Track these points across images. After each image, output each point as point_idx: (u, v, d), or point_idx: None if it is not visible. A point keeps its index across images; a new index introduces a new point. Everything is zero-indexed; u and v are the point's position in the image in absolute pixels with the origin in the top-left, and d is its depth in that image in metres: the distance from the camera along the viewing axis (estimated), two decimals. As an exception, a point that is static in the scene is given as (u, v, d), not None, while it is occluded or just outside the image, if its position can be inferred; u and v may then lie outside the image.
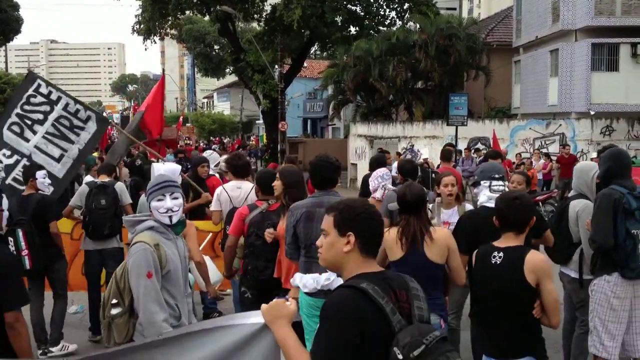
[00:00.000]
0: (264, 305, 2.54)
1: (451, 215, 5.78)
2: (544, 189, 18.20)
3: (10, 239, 6.00)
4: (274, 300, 2.56)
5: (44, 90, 7.70)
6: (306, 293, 4.73)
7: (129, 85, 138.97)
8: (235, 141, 45.10)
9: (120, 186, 7.32)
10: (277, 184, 5.30)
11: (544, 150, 21.90)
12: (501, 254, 3.81)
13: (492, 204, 4.49)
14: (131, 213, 7.06)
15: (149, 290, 3.75)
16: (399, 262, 4.43)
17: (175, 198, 4.00)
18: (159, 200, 3.97)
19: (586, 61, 24.10)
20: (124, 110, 49.10)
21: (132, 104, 39.01)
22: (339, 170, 5.03)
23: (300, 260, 4.90)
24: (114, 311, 3.87)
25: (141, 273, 3.75)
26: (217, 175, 9.19)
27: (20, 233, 6.10)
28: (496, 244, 3.91)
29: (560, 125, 23.57)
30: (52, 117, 7.65)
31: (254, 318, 2.55)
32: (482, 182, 4.64)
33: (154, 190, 4.02)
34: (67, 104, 7.74)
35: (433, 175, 8.70)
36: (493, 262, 3.82)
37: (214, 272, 5.94)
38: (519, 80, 29.31)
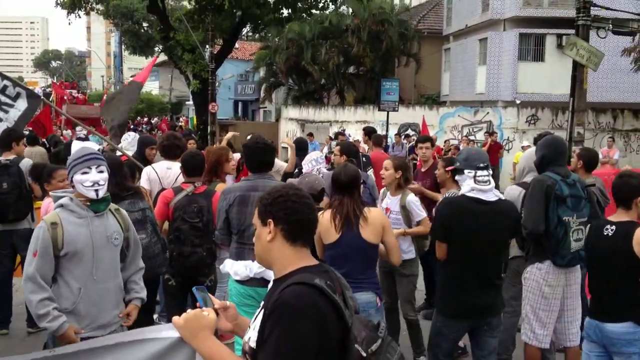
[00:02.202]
0: (177, 319, 2.25)
1: (393, 203, 5.65)
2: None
3: None
4: (189, 311, 2.26)
5: None
6: (237, 281, 4.54)
7: (52, 62, 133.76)
8: (162, 121, 43.85)
9: (26, 163, 6.72)
10: None
11: (471, 137, 22.28)
12: (613, 227, 4.13)
13: (474, 194, 4.34)
14: (38, 191, 6.61)
15: (29, 268, 3.61)
16: (335, 244, 4.28)
17: (101, 172, 3.74)
18: (83, 173, 3.68)
19: (513, 51, 24.64)
20: (47, 87, 47.07)
21: (57, 82, 37.31)
22: (274, 152, 4.87)
23: (232, 246, 4.69)
24: None
25: (30, 251, 3.65)
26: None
27: None
28: (610, 218, 4.24)
29: (488, 113, 24.00)
30: None
31: (166, 332, 2.27)
32: (466, 171, 4.42)
33: (78, 163, 3.71)
34: None
35: (364, 159, 8.59)
36: (605, 233, 4.13)
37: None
38: (448, 68, 29.74)
